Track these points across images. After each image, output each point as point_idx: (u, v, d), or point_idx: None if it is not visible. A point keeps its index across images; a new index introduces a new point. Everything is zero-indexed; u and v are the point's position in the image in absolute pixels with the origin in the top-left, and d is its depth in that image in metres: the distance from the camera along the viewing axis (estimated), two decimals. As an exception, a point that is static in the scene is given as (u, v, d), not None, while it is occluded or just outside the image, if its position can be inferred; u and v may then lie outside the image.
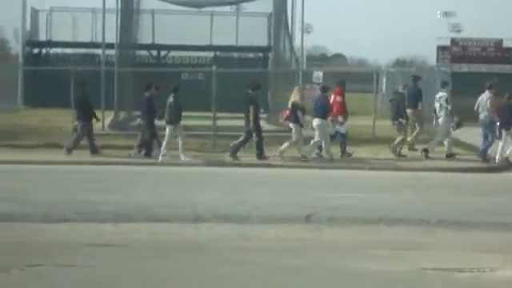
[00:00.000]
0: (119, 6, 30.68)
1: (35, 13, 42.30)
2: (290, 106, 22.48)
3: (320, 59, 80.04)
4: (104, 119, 26.51)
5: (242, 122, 22.34)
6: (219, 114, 24.60)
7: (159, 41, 39.79)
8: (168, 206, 14.43)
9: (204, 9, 38.78)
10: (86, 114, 22.36)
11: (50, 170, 19.58)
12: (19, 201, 14.69)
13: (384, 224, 13.37)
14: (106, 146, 23.00)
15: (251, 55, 43.37)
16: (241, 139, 21.99)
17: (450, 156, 22.93)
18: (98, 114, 23.87)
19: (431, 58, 54.26)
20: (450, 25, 57.29)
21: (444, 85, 23.94)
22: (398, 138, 22.93)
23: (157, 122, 22.24)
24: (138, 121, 23.70)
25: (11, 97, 37.90)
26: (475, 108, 22.66)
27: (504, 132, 22.22)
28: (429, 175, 20.27)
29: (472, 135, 24.19)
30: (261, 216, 13.78)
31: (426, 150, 22.81)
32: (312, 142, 22.14)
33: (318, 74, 44.83)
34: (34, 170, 19.67)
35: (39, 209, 13.90)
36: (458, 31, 56.24)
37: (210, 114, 24.32)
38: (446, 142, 23.08)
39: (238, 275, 9.83)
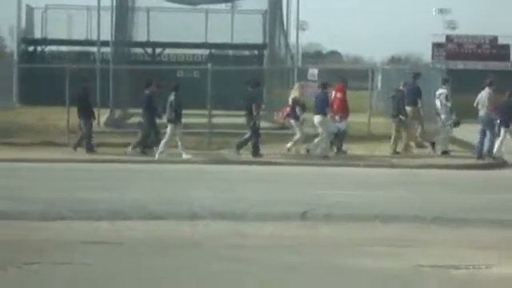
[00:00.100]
0: (114, 4, 30.68)
1: (30, 10, 42.24)
2: (290, 102, 22.51)
3: (315, 56, 79.99)
4: (99, 117, 26.47)
5: (237, 120, 22.35)
6: (214, 112, 24.63)
7: (154, 38, 39.70)
8: (164, 204, 14.44)
9: (199, 6, 38.77)
10: (87, 112, 22.44)
11: (46, 168, 19.58)
12: (15, 199, 14.68)
13: (380, 221, 13.39)
14: (101, 143, 23.01)
15: (246, 53, 43.31)
16: (246, 136, 21.99)
17: (445, 153, 22.99)
18: (94, 111, 23.86)
19: (426, 55, 54.34)
20: (445, 22, 57.33)
21: (445, 82, 23.99)
22: (404, 135, 23.11)
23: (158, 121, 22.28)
24: (139, 119, 23.74)
25: (6, 95, 37.81)
26: (475, 104, 22.64)
27: (503, 129, 22.26)
28: (424, 172, 20.31)
29: (469, 132, 24.19)
30: (257, 213, 13.80)
31: (433, 144, 23.16)
32: (316, 140, 22.10)
33: (314, 72, 44.68)
34: (30, 167, 19.67)
35: (35, 207, 13.91)
36: (454, 28, 56.29)
37: (206, 112, 24.33)
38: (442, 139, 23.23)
39: (234, 272, 9.84)
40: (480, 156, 22.27)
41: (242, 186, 17.15)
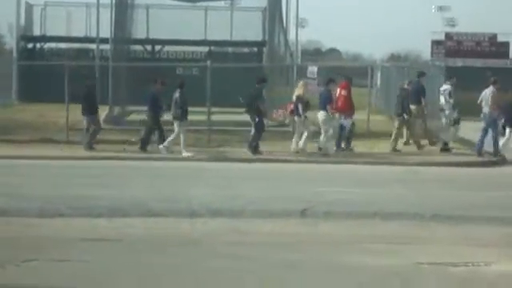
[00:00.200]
0: (113, 1, 30.63)
1: (29, 7, 42.18)
2: (294, 99, 22.50)
3: (315, 54, 79.88)
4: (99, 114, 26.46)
5: (236, 117, 22.32)
6: (214, 109, 24.60)
7: (154, 35, 39.65)
8: (163, 201, 14.42)
9: (198, 3, 38.73)
10: (93, 108, 22.47)
11: (44, 165, 19.56)
12: (14, 196, 14.66)
13: (379, 218, 13.38)
14: (100, 140, 22.97)
15: (246, 50, 43.26)
16: (252, 134, 21.95)
17: (445, 150, 22.98)
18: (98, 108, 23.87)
19: (426, 53, 54.43)
20: (444, 19, 57.40)
21: (449, 78, 23.95)
22: (405, 132, 23.07)
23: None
24: (140, 116, 23.75)
25: (5, 92, 37.79)
26: (478, 102, 22.60)
27: (508, 129, 22.24)
28: (424, 169, 20.28)
29: (470, 130, 24.17)
30: (257, 210, 13.78)
31: (445, 144, 23.09)
32: (322, 138, 22.06)
33: (313, 69, 44.78)
34: (29, 164, 19.64)
35: (34, 204, 13.88)
36: (453, 26, 56.34)
37: (205, 109, 24.31)
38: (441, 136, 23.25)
39: (233, 270, 9.82)
40: (480, 153, 22.25)
41: (241, 184, 17.13)
